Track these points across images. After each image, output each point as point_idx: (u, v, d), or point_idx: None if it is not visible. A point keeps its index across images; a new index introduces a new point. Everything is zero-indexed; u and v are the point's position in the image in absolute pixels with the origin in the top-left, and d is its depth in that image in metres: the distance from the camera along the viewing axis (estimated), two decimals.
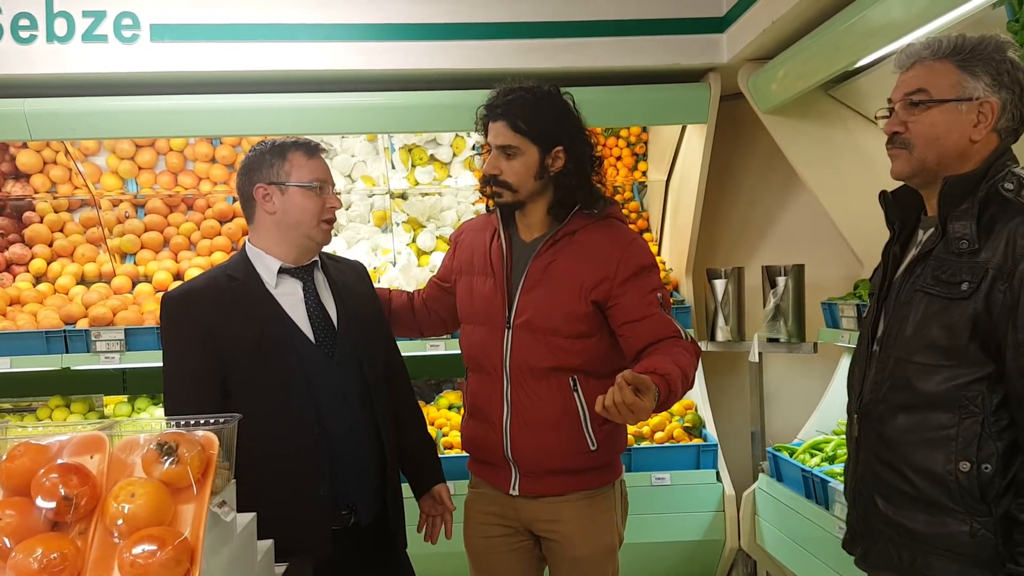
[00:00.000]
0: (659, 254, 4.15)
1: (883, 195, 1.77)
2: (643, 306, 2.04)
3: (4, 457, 1.23)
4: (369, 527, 2.05)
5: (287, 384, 1.95)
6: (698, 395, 3.75)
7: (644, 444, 3.50)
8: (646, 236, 4.26)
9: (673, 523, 3.43)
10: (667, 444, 3.50)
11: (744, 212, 4.13)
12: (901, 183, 1.72)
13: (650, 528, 3.40)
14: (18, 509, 1.16)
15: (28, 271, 3.97)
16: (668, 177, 4.12)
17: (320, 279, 2.11)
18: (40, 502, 1.15)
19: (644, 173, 4.39)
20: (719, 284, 3.64)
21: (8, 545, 1.12)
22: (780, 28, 2.97)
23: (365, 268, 2.31)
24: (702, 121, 3.56)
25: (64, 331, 3.51)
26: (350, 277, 2.20)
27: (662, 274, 3.91)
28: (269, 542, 1.63)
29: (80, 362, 3.49)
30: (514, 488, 2.13)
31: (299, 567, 1.74)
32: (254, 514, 1.52)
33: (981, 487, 1.52)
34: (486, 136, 2.14)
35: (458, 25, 3.44)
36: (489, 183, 2.10)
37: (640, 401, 1.73)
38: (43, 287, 3.88)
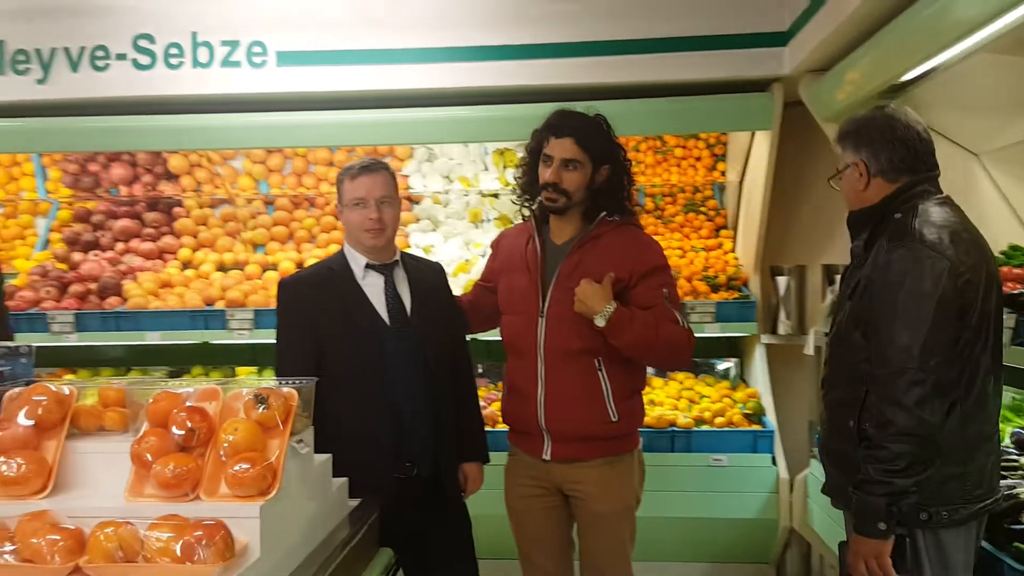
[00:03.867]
0: (733, 251, 4.39)
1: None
2: (651, 298, 2.42)
3: (151, 400, 1.73)
4: (426, 478, 2.49)
5: (365, 357, 2.43)
6: (761, 384, 4.00)
7: (704, 427, 3.79)
8: (724, 233, 4.52)
9: (729, 501, 3.71)
10: (725, 428, 3.77)
11: (811, 213, 4.31)
12: None
13: (708, 505, 3.70)
14: (158, 436, 1.64)
15: (177, 259, 4.64)
16: (741, 178, 4.36)
17: (400, 275, 2.56)
18: (174, 431, 1.63)
19: (723, 173, 4.64)
20: (782, 281, 3.87)
21: (150, 460, 1.60)
22: (838, 38, 3.16)
23: (442, 267, 2.76)
24: (767, 128, 3.79)
25: (205, 311, 4.15)
26: (427, 275, 2.65)
27: (732, 270, 4.18)
28: (344, 479, 2.09)
29: (217, 337, 4.12)
30: (546, 453, 2.49)
31: (369, 503, 2.19)
32: (330, 455, 1.99)
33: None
34: (540, 148, 2.49)
35: (541, 45, 3.80)
36: (548, 189, 2.44)
37: (590, 287, 2.32)
38: (189, 272, 4.53)
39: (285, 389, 1.75)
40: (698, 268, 4.21)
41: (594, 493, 2.49)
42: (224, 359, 4.50)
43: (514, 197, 2.66)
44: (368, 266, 2.52)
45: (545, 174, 2.45)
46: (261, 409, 1.68)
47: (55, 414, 1.68)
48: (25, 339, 3.54)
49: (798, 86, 3.63)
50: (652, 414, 3.76)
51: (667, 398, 4.02)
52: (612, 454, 2.49)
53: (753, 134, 4.11)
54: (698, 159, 4.69)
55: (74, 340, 4.12)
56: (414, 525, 2.43)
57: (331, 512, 1.98)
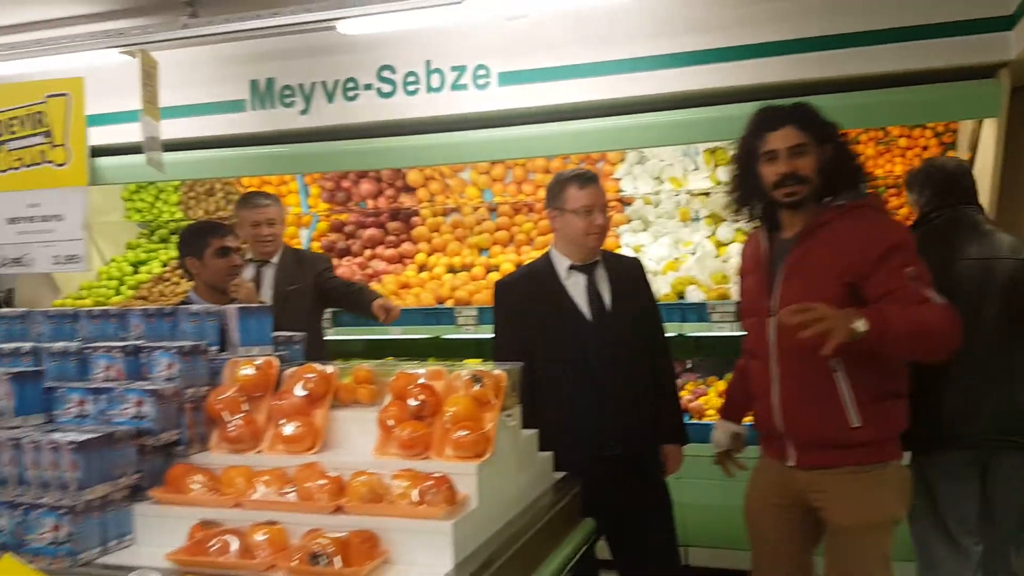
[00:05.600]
0: None
1: None
2: (891, 281, 2.19)
3: (393, 378, 2.11)
4: (626, 458, 2.71)
5: (569, 349, 2.71)
6: None
7: None
8: None
9: None
10: None
11: None
12: None
13: None
14: (398, 407, 2.01)
15: (414, 262, 5.20)
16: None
17: (600, 273, 2.81)
18: (410, 403, 1.99)
19: None
20: None
21: (392, 425, 1.97)
22: None
23: (640, 262, 2.98)
24: (993, 115, 3.62)
25: (437, 308, 4.64)
26: (626, 271, 2.88)
27: None
28: (549, 454, 2.38)
29: (447, 332, 4.60)
30: (789, 459, 2.39)
31: (573, 477, 2.46)
32: (536, 431, 2.28)
33: None
34: (753, 151, 2.39)
35: (750, 46, 3.88)
36: (785, 182, 2.31)
37: (823, 310, 2.04)
38: (424, 275, 5.05)
39: (496, 371, 2.06)
40: None
41: (834, 504, 2.33)
42: (453, 352, 4.94)
43: (729, 212, 2.54)
44: (572, 267, 2.79)
45: (775, 169, 2.33)
46: (477, 387, 2.00)
47: (322, 388, 2.11)
48: None
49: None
50: None
51: None
52: (857, 464, 2.30)
53: (980, 121, 3.92)
54: (924, 148, 4.51)
55: (331, 335, 4.77)
56: (616, 501, 2.67)
57: (536, 480, 2.27)
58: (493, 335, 2.90)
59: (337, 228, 5.54)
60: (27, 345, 2.19)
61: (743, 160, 2.46)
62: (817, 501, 2.37)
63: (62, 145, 2.30)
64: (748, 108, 3.91)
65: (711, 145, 4.77)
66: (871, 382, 2.27)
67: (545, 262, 2.85)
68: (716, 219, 4.78)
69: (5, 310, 2.41)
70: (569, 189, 2.74)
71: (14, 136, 2.36)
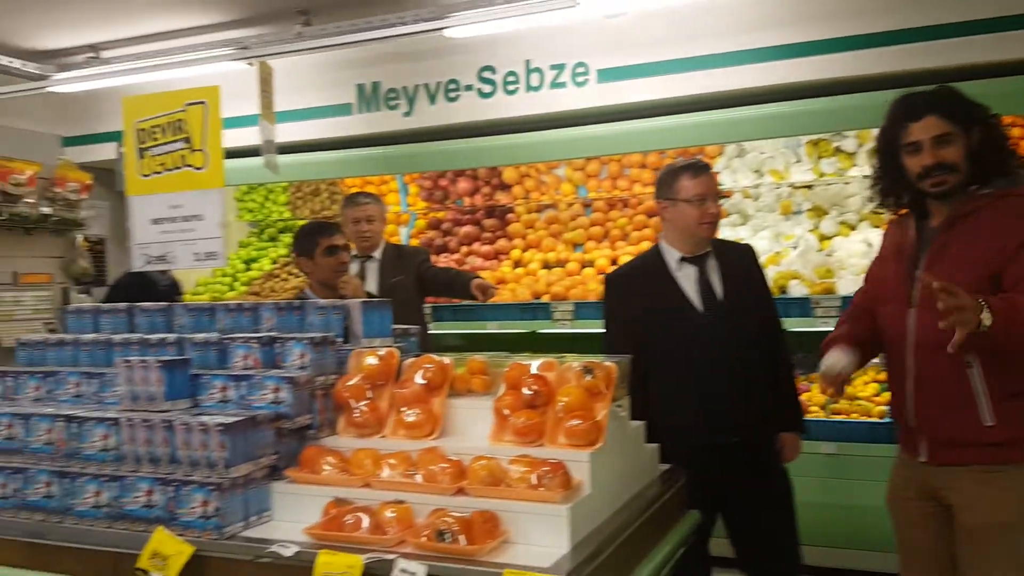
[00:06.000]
0: None
1: None
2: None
3: (507, 368, 2.21)
4: (742, 447, 2.74)
5: (680, 339, 2.76)
6: None
7: None
8: None
9: None
10: None
11: None
12: None
13: None
14: (513, 396, 2.11)
15: (509, 258, 5.32)
16: None
17: (711, 264, 2.84)
18: (524, 392, 2.09)
19: None
20: None
21: (507, 414, 2.07)
22: None
23: (751, 248, 3.00)
24: None
25: (533, 303, 4.74)
26: (737, 260, 2.90)
27: None
28: (655, 445, 2.44)
29: (543, 327, 4.70)
30: (921, 455, 2.33)
31: (677, 468, 2.51)
32: (643, 422, 2.35)
33: None
34: (894, 142, 2.32)
35: (850, 37, 3.86)
36: (931, 173, 2.24)
37: (964, 298, 1.96)
38: (519, 270, 5.17)
39: (607, 363, 2.13)
40: None
41: (964, 502, 2.26)
42: (548, 347, 5.03)
43: (873, 205, 2.47)
44: (682, 259, 2.83)
45: (919, 161, 2.26)
46: (588, 378, 2.08)
47: (439, 377, 2.23)
48: None
49: None
50: None
51: None
52: (989, 463, 2.22)
53: None
54: None
55: (432, 329, 4.93)
56: (733, 488, 2.74)
57: (644, 470, 2.34)
58: (604, 328, 2.97)
59: (435, 226, 5.71)
60: (172, 336, 2.38)
61: (885, 150, 2.38)
62: (949, 499, 2.31)
63: (200, 150, 2.48)
64: (851, 100, 3.96)
65: (814, 137, 4.71)
66: (1007, 380, 2.19)
67: (655, 255, 2.90)
68: (819, 212, 4.72)
69: (148, 304, 2.62)
70: (681, 179, 2.78)
71: (157, 143, 2.56)
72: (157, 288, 4.07)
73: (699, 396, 2.73)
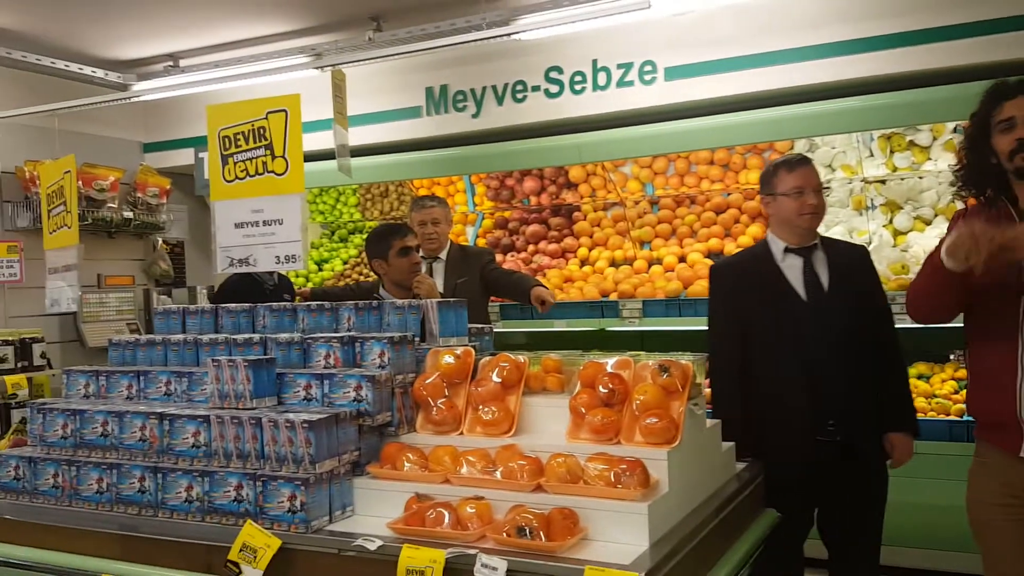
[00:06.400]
0: None
1: None
2: None
3: (582, 367, 2.23)
4: (844, 443, 2.69)
5: (784, 329, 2.74)
6: None
7: None
8: None
9: None
10: None
11: None
12: None
13: None
14: (588, 394, 2.13)
15: (576, 257, 5.33)
16: None
17: (819, 257, 2.82)
18: (600, 390, 2.10)
19: None
20: None
21: (583, 412, 2.09)
22: None
23: (865, 250, 2.98)
24: None
25: (601, 301, 4.74)
26: (847, 255, 2.87)
27: None
28: (731, 444, 2.43)
29: (611, 324, 4.69)
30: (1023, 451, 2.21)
31: (754, 465, 2.50)
32: (719, 420, 2.34)
33: None
34: (985, 125, 2.30)
35: (919, 31, 3.77)
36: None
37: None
38: (586, 268, 5.17)
39: (683, 361, 2.13)
40: None
41: None
42: (616, 344, 5.04)
43: (954, 189, 2.43)
44: (787, 250, 2.81)
45: (1013, 136, 2.23)
46: (664, 376, 2.08)
47: (515, 376, 2.26)
48: None
49: None
50: None
51: None
52: None
53: None
54: None
55: (499, 328, 4.97)
56: (831, 487, 2.72)
57: (721, 469, 2.33)
58: (708, 315, 2.97)
59: (501, 225, 5.75)
60: (257, 336, 2.46)
61: (974, 136, 2.35)
62: None
63: (281, 156, 2.56)
64: (925, 93, 3.86)
65: (888, 131, 4.60)
66: None
67: (762, 246, 2.91)
68: (893, 207, 4.61)
69: (233, 304, 2.72)
70: (779, 173, 2.81)
71: (240, 150, 2.65)
72: (263, 288, 4.16)
73: (802, 387, 2.71)
